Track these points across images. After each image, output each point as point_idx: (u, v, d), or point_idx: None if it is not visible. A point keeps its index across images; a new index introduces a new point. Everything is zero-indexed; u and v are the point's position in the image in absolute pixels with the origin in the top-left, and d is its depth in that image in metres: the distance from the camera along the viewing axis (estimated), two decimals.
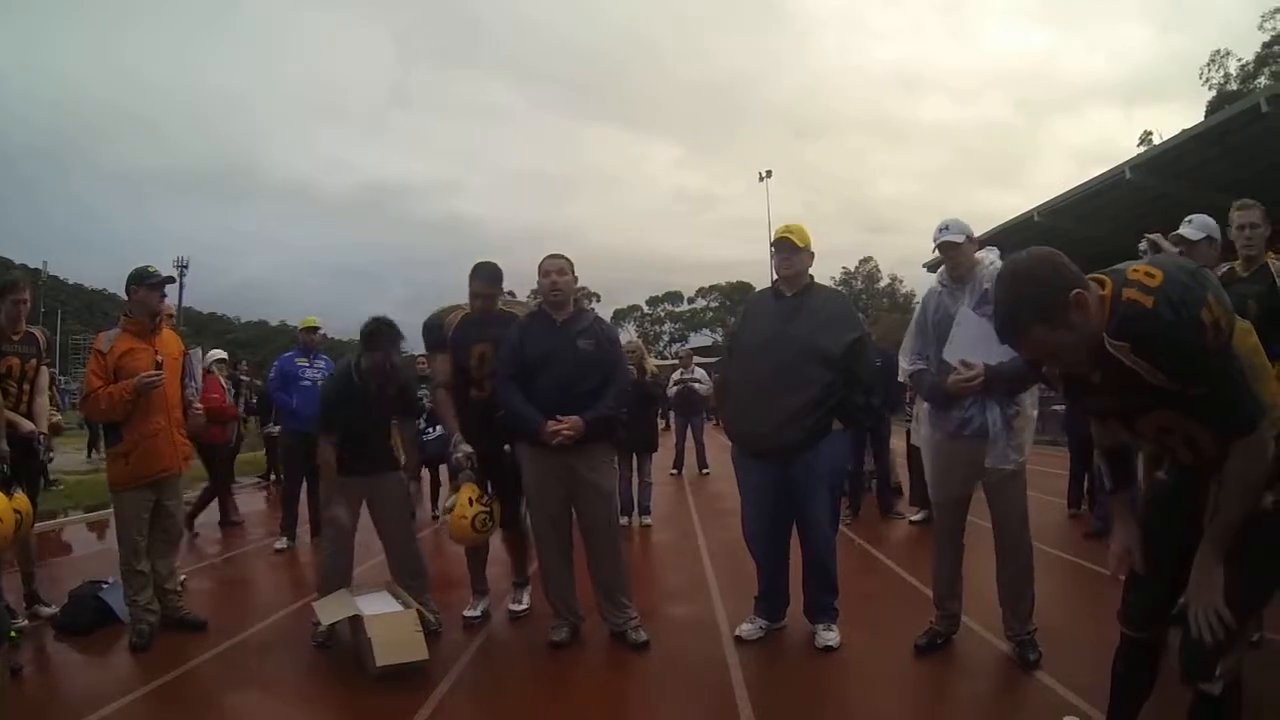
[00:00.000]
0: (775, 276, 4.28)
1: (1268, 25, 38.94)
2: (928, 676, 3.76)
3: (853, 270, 79.88)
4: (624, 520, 7.39)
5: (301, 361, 7.15)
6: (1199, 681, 2.11)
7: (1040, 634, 3.76)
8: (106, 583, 4.78)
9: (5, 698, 3.55)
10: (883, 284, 79.33)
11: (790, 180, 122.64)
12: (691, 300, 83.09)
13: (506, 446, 4.39)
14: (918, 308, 4.04)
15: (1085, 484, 7.45)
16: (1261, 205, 3.89)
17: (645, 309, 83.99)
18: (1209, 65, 41.59)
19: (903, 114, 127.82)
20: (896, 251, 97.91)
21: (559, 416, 4.01)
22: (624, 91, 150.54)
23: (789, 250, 4.09)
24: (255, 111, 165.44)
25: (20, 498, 3.81)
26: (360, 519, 4.45)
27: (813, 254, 4.14)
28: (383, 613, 3.98)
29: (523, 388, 4.11)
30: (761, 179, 48.92)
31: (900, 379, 4.18)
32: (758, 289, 5.11)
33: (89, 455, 15.16)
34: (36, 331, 4.78)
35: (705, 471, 11.90)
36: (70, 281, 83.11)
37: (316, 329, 7.66)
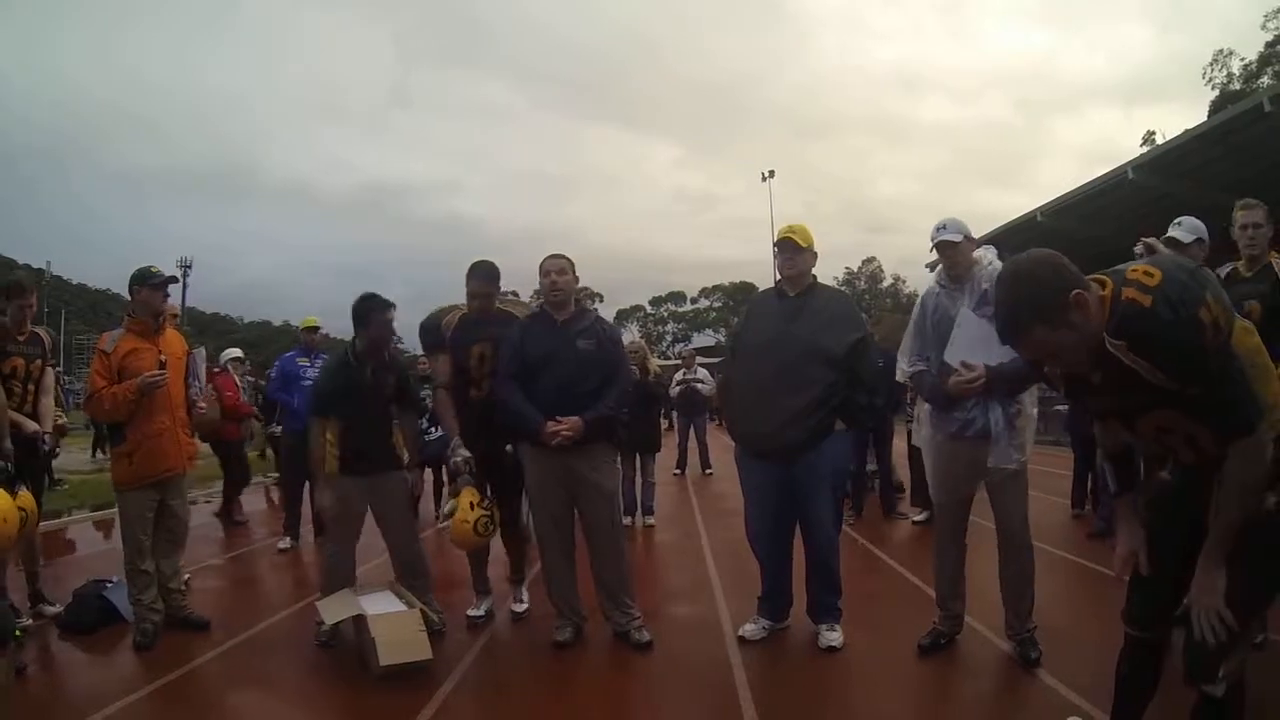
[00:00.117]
0: (778, 276, 4.28)
1: (1271, 25, 38.81)
2: (931, 677, 3.75)
3: (855, 270, 79.84)
4: (627, 520, 7.39)
5: (303, 361, 7.16)
6: (1202, 683, 2.11)
7: (1044, 634, 3.76)
8: (110, 582, 4.79)
9: (9, 697, 3.56)
10: (885, 284, 79.22)
11: (791, 180, 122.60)
12: (694, 300, 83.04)
13: (509, 447, 4.40)
14: (916, 308, 4.03)
15: (1088, 484, 7.43)
16: (1265, 205, 3.89)
17: (648, 309, 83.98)
18: (1212, 65, 41.51)
19: (903, 114, 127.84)
20: (898, 252, 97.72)
21: (559, 417, 4.01)
22: (625, 91, 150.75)
23: (792, 250, 4.09)
24: (256, 111, 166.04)
25: (25, 496, 3.81)
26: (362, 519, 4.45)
27: (816, 254, 4.14)
28: (386, 612, 3.98)
29: (523, 388, 4.11)
30: (764, 179, 48.82)
31: (898, 379, 4.18)
32: (760, 289, 5.10)
33: (94, 455, 15.18)
34: (42, 332, 4.79)
35: (709, 472, 11.89)
36: (74, 281, 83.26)
37: (317, 329, 7.68)
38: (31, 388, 4.65)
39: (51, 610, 4.78)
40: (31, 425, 4.48)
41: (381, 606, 4.06)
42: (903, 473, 8.34)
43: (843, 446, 4.18)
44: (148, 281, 4.41)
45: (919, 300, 4.07)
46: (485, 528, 4.19)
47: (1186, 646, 2.14)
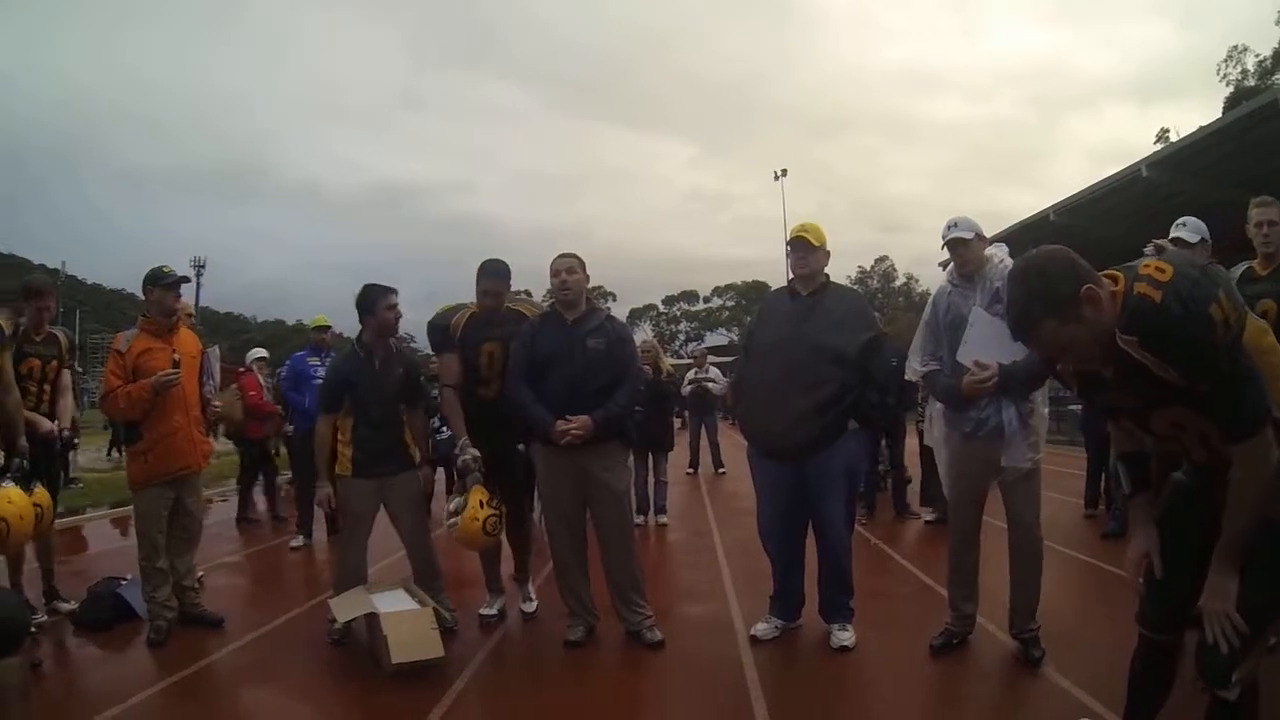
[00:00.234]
0: (791, 276, 4.27)
1: None
2: (943, 677, 3.74)
3: (868, 269, 79.64)
4: (640, 519, 7.41)
5: (313, 360, 7.15)
6: (1216, 688, 2.09)
7: (1057, 635, 3.74)
8: (125, 579, 4.83)
9: (29, 695, 3.59)
10: (898, 283, 78.97)
11: (804, 179, 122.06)
12: (707, 299, 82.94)
13: (520, 446, 4.40)
14: (928, 308, 4.02)
15: (1102, 484, 7.40)
16: None
17: (661, 308, 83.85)
18: (1226, 61, 41.16)
19: (916, 112, 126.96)
20: (911, 251, 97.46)
21: (568, 416, 4.01)
22: (637, 92, 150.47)
23: (805, 249, 4.08)
24: (265, 112, 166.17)
25: (40, 493, 3.85)
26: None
27: (828, 253, 4.13)
28: (399, 610, 3.99)
29: (534, 387, 4.11)
30: (776, 178, 48.89)
31: (909, 378, 4.17)
32: (774, 288, 5.09)
33: (109, 454, 15.28)
34: (59, 333, 4.83)
35: (721, 471, 11.90)
36: (88, 282, 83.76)
37: (328, 328, 7.70)
38: (47, 388, 4.70)
39: (66, 607, 4.82)
40: (46, 424, 4.51)
41: (394, 605, 4.07)
42: (912, 470, 8.33)
43: (856, 446, 4.16)
44: (160, 282, 4.44)
45: (930, 299, 4.05)
46: (494, 527, 4.17)
47: (1200, 651, 2.13)
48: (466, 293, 4.41)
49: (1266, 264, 3.80)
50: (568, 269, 4.18)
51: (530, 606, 4.74)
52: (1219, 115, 23.74)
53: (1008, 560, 3.81)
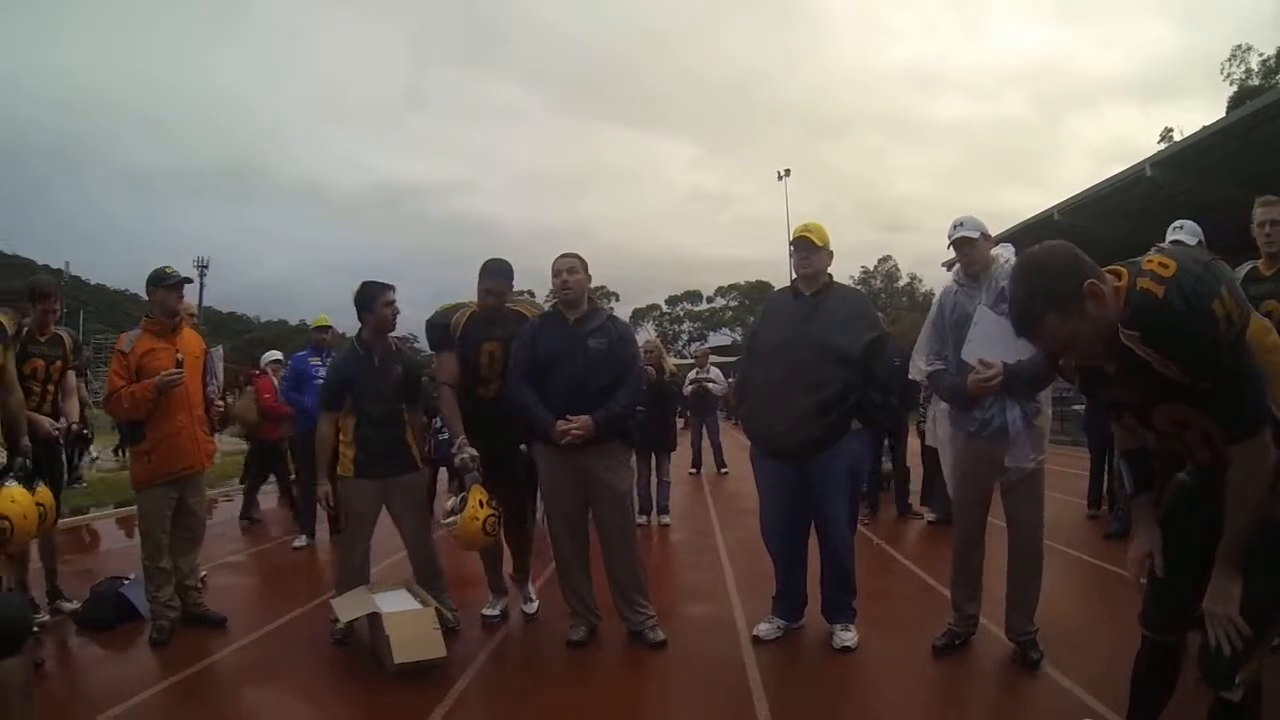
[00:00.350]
0: (794, 275, 4.27)
1: None
2: (945, 678, 3.74)
3: (872, 269, 79.64)
4: (643, 519, 7.42)
5: (315, 360, 7.13)
6: (1219, 690, 2.09)
7: (1059, 635, 3.74)
8: (128, 579, 4.83)
9: (31, 695, 3.59)
10: (902, 283, 78.98)
11: (807, 179, 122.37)
12: (710, 299, 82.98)
13: (523, 446, 4.39)
14: (933, 307, 4.01)
15: (1104, 485, 7.39)
16: None
17: (664, 308, 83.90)
18: (1230, 60, 41.14)
19: (919, 112, 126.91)
20: (914, 251, 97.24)
21: (569, 416, 4.01)
22: (640, 91, 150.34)
23: (808, 249, 4.07)
24: (268, 112, 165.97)
25: (43, 492, 3.86)
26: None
27: (831, 253, 4.13)
28: (401, 610, 3.99)
29: (535, 387, 4.11)
30: (780, 178, 48.81)
31: (913, 377, 4.16)
32: (777, 288, 5.08)
33: (116, 454, 15.29)
34: (63, 333, 4.84)
35: (724, 471, 11.90)
36: (92, 282, 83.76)
37: (328, 327, 7.70)
38: (51, 388, 4.70)
39: (69, 607, 4.82)
40: (46, 425, 4.51)
41: (396, 604, 4.07)
42: (914, 470, 8.32)
43: (860, 445, 4.15)
44: (163, 283, 4.44)
45: (936, 299, 4.05)
46: (494, 527, 4.14)
47: (1203, 653, 2.12)
48: (469, 292, 4.40)
49: (1271, 264, 3.77)
50: (569, 269, 4.17)
51: (531, 607, 4.73)
52: (1223, 115, 23.75)
53: (1007, 563, 3.80)
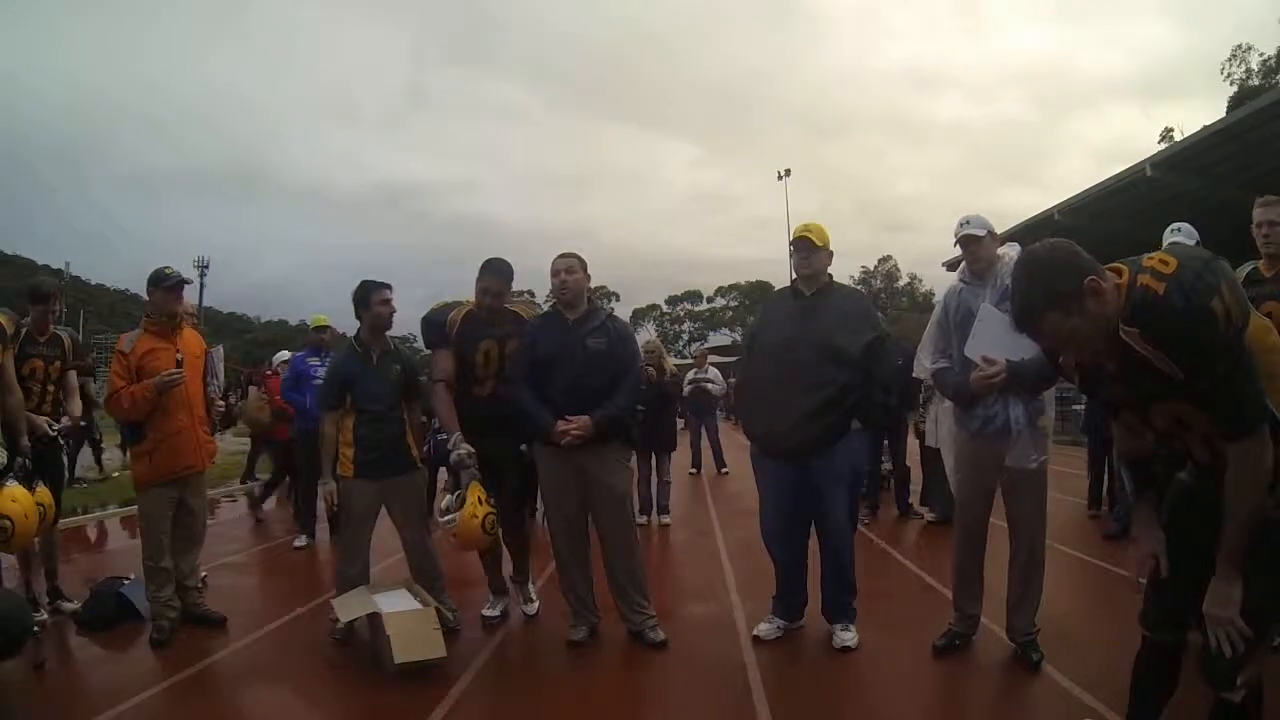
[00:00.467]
0: (794, 275, 4.27)
1: None
2: (946, 678, 3.74)
3: (872, 269, 79.69)
4: (643, 519, 7.42)
5: (313, 360, 7.12)
6: (1220, 691, 2.09)
7: (1059, 635, 3.74)
8: (128, 579, 4.84)
9: (30, 693, 3.60)
10: (902, 283, 79.05)
11: (807, 179, 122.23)
12: (711, 299, 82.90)
13: (523, 446, 4.39)
14: (938, 305, 4.01)
15: (1105, 485, 7.39)
16: None
17: (664, 308, 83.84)
18: (1230, 60, 41.08)
19: (920, 112, 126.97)
20: (914, 250, 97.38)
21: (568, 416, 4.01)
22: (640, 91, 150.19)
23: (808, 249, 4.07)
24: (269, 112, 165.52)
25: (43, 492, 3.88)
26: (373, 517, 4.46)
27: (831, 253, 4.13)
28: (401, 610, 3.99)
29: (535, 388, 4.10)
30: (780, 178, 48.76)
31: (917, 375, 4.16)
32: (777, 288, 5.08)
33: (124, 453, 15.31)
34: (63, 333, 4.83)
35: (724, 471, 11.90)
36: (92, 282, 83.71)
37: (327, 327, 7.69)
38: (52, 388, 4.70)
39: (69, 606, 4.82)
40: (43, 424, 4.51)
41: (396, 604, 4.07)
42: (914, 470, 8.32)
43: (860, 445, 4.16)
44: (161, 284, 4.45)
45: (942, 297, 4.05)
46: (493, 525, 4.13)
47: (1204, 655, 2.12)
48: (468, 292, 4.37)
49: (1271, 265, 3.75)
50: (567, 269, 4.17)
51: (532, 608, 4.72)
52: (1223, 115, 23.75)
53: (1008, 563, 3.80)
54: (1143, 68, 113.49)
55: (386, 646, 3.78)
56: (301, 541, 7.03)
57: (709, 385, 11.55)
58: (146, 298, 4.54)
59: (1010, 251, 3.82)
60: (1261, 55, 39.78)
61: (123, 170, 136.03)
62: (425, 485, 4.59)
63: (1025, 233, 16.42)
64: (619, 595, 4.23)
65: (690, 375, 11.62)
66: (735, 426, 14.00)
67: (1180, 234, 4.21)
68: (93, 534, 8.27)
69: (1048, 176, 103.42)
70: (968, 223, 3.77)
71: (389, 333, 4.57)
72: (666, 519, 7.92)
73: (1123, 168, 15.32)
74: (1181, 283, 1.90)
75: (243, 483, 11.18)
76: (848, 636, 4.02)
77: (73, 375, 4.92)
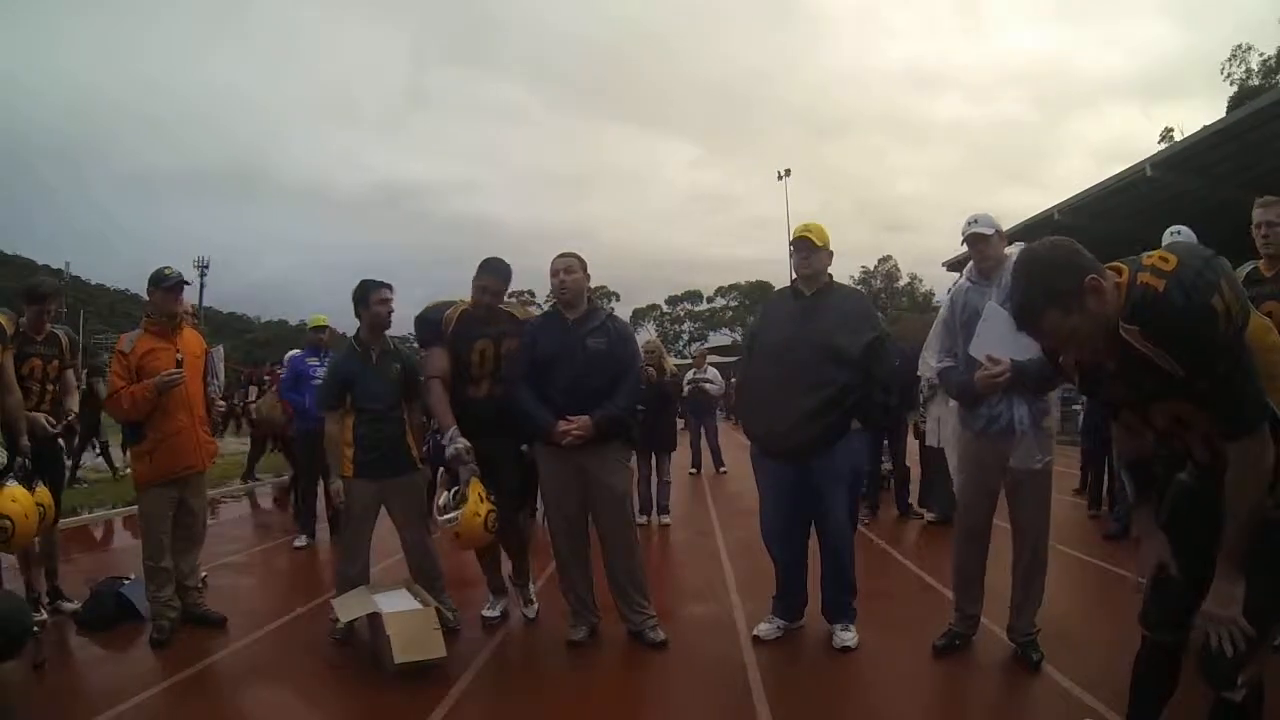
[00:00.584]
0: (794, 275, 4.27)
1: None
2: (946, 678, 3.74)
3: (872, 269, 79.68)
4: (643, 519, 7.42)
5: (312, 360, 7.11)
6: (1221, 691, 2.09)
7: (1059, 635, 3.74)
8: (128, 579, 4.84)
9: (29, 693, 3.60)
10: (902, 283, 79.04)
11: (807, 179, 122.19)
12: (711, 299, 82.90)
13: (524, 447, 4.38)
14: (945, 305, 4.01)
15: (1105, 485, 7.39)
16: None
17: (664, 308, 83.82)
18: (1230, 60, 41.04)
19: (919, 112, 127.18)
20: (914, 250, 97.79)
21: (569, 416, 4.00)
22: (640, 91, 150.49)
23: (807, 249, 4.07)
24: (269, 112, 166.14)
25: (42, 492, 3.88)
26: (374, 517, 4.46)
27: (831, 253, 4.12)
28: (401, 610, 3.99)
29: (535, 388, 4.10)
30: (780, 178, 48.75)
31: (923, 374, 4.15)
32: (777, 288, 5.08)
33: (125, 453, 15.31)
34: (60, 332, 4.83)
35: (722, 470, 11.91)
36: (92, 282, 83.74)
37: (325, 327, 7.68)
38: (50, 387, 4.70)
39: (69, 606, 4.82)
40: (43, 422, 4.51)
41: (396, 604, 4.07)
42: (914, 470, 8.32)
43: (860, 445, 4.16)
44: (160, 284, 4.45)
45: (948, 297, 4.05)
46: (495, 523, 4.10)
47: (1204, 654, 2.12)
48: (468, 292, 4.37)
49: (1271, 265, 3.75)
50: (566, 268, 4.16)
51: (531, 610, 4.69)
52: (1223, 115, 23.73)
53: (1010, 564, 3.80)
54: (1143, 68, 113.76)
55: (386, 646, 3.78)
56: (301, 541, 7.03)
57: (707, 385, 11.56)
58: (146, 298, 4.55)
59: (1017, 252, 3.82)
60: (1261, 55, 39.75)
61: (123, 170, 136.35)
62: (425, 485, 4.58)
63: (1025, 233, 16.37)
64: (619, 595, 4.22)
65: (689, 375, 11.62)
66: (735, 426, 13.99)
67: (1180, 238, 4.22)
68: (93, 534, 8.27)
69: (1048, 176, 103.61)
70: (975, 221, 3.77)
71: (389, 333, 4.57)
72: (666, 519, 7.91)
73: (1123, 168, 15.32)
74: (1182, 280, 1.90)
75: (243, 481, 11.21)
76: (848, 636, 4.02)
77: (70, 374, 4.91)
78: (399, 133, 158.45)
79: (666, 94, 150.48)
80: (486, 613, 4.62)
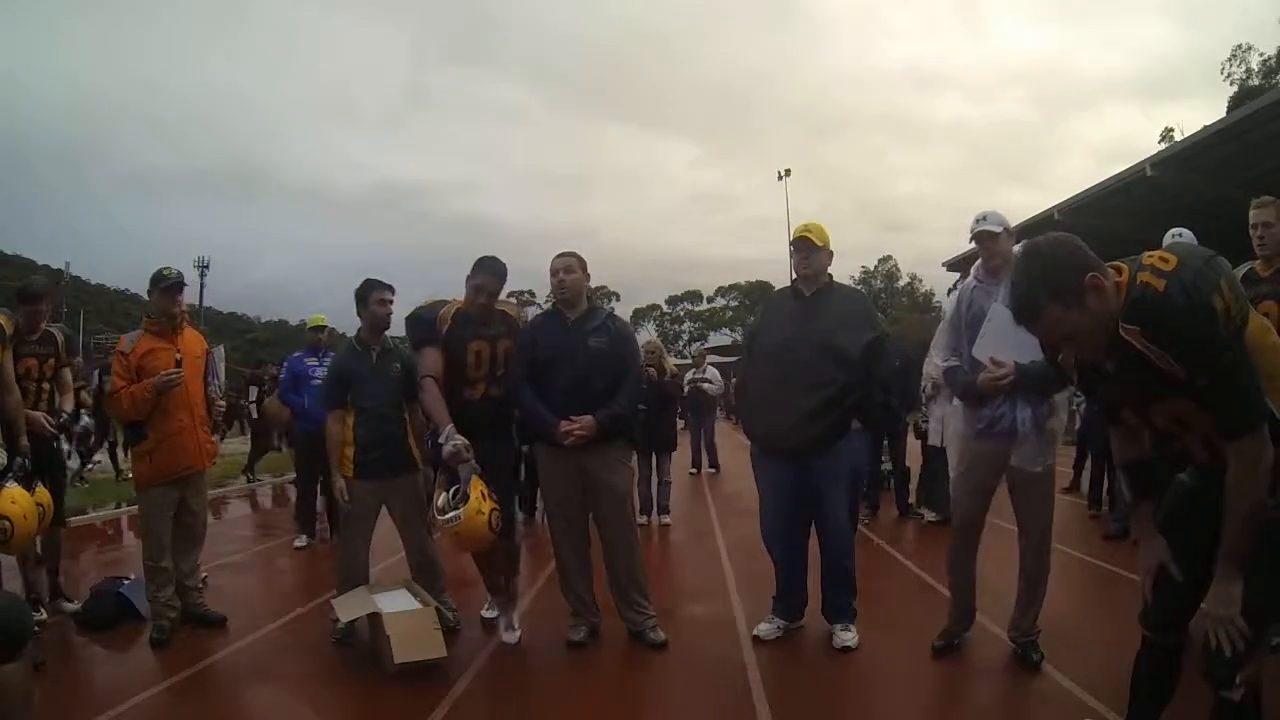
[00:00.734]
0: (794, 276, 4.27)
1: None
2: (945, 677, 3.74)
3: (872, 269, 79.65)
4: (643, 519, 7.41)
5: (311, 361, 7.11)
6: (1220, 689, 2.09)
7: (1059, 635, 3.74)
8: (128, 579, 4.84)
9: (30, 694, 3.59)
10: (902, 283, 78.99)
11: (807, 179, 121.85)
12: (711, 299, 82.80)
13: (524, 447, 4.37)
14: (952, 304, 4.00)
15: (1105, 485, 7.39)
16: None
17: (665, 308, 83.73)
18: (1230, 60, 41.02)
19: (919, 112, 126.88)
20: (914, 250, 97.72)
21: (572, 416, 4.00)
22: (641, 91, 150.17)
23: (808, 249, 4.07)
24: (269, 112, 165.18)
25: (42, 492, 3.88)
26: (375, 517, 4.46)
27: (831, 253, 4.13)
28: (401, 610, 3.99)
29: (536, 388, 4.10)
30: (780, 178, 48.71)
31: (929, 373, 4.15)
32: (777, 288, 5.08)
33: (126, 453, 15.31)
34: (55, 331, 4.83)
35: (711, 470, 11.99)
36: (92, 282, 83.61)
37: (324, 327, 7.68)
38: (47, 386, 4.71)
39: (69, 606, 4.82)
40: (42, 421, 4.51)
41: (396, 604, 4.07)
42: (914, 470, 8.32)
43: (860, 445, 4.16)
44: (159, 285, 4.46)
45: (955, 296, 4.05)
46: (499, 522, 3.97)
47: (1204, 653, 2.12)
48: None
49: (1268, 265, 3.75)
50: (565, 268, 4.16)
51: (512, 637, 4.32)
52: (1223, 115, 23.74)
53: (1016, 562, 3.79)
54: (1143, 68, 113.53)
55: (386, 646, 3.78)
56: (301, 541, 7.03)
57: (706, 385, 11.57)
58: (146, 298, 4.56)
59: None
60: (1261, 55, 39.74)
61: (123, 170, 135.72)
62: (426, 485, 4.57)
63: (1025, 233, 16.29)
64: (619, 595, 4.23)
65: (689, 375, 11.62)
66: (735, 426, 13.99)
67: (1182, 239, 4.21)
68: (94, 534, 8.26)
69: (1048, 176, 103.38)
70: (984, 219, 3.77)
71: (390, 334, 4.56)
72: (666, 519, 7.92)
73: (1123, 168, 15.36)
74: (1182, 280, 1.90)
75: (245, 476, 11.24)
76: (848, 636, 4.02)
77: (66, 372, 4.92)
78: (399, 133, 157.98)
79: (666, 94, 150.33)
80: (486, 613, 4.61)
